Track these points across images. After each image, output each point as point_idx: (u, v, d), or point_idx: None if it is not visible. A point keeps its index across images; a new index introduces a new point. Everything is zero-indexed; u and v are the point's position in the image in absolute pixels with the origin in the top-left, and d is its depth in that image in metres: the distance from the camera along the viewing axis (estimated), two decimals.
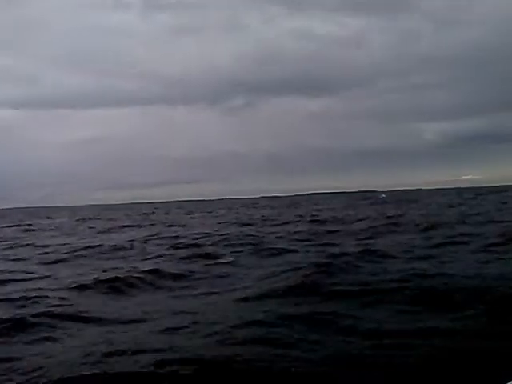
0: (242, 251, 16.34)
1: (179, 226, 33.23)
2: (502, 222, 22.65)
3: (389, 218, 28.92)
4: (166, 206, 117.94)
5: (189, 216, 49.79)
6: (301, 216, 36.67)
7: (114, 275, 11.46)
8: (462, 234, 17.24)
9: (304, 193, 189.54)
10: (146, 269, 12.51)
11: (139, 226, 34.13)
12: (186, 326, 7.25)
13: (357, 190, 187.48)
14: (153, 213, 60.84)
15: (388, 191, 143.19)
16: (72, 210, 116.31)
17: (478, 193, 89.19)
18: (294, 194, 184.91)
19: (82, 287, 10.57)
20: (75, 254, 17.66)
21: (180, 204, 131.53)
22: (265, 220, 35.00)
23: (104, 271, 12.62)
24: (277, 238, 20.11)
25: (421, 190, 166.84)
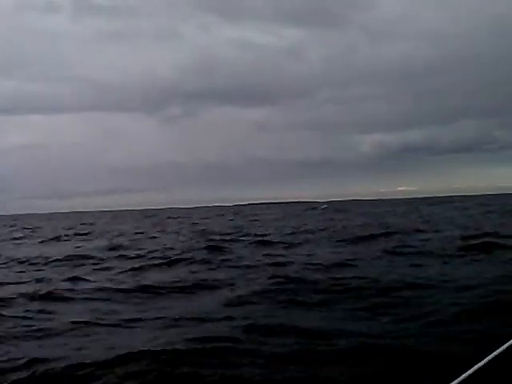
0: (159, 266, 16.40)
1: (114, 236, 32.68)
2: (425, 231, 24.07)
3: (321, 230, 29.75)
4: (105, 215, 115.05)
5: (125, 227, 48.85)
6: (235, 228, 36.91)
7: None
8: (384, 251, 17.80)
9: (247, 202, 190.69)
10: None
11: (71, 238, 33.36)
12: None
13: (298, 200, 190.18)
14: (90, 224, 59.28)
15: (329, 202, 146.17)
16: (9, 218, 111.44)
17: (413, 204, 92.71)
18: (236, 203, 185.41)
19: None
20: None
21: (120, 213, 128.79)
22: (203, 230, 35.05)
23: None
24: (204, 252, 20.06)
25: (360, 200, 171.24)
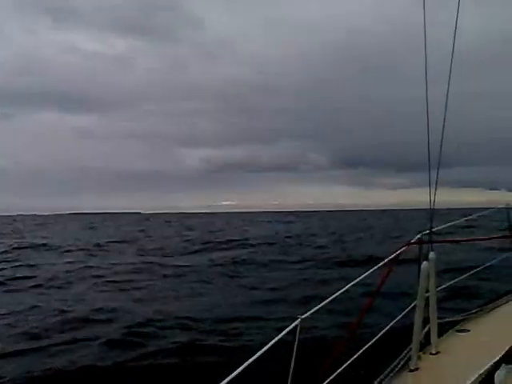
0: None
1: None
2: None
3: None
4: None
5: None
6: None
7: None
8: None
9: (67, 212, 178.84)
10: None
11: None
12: None
13: (124, 210, 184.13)
14: None
15: (154, 214, 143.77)
16: None
17: (234, 218, 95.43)
18: (55, 213, 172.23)
19: None
20: None
21: None
22: None
23: None
24: None
25: (188, 213, 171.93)
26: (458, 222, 4.73)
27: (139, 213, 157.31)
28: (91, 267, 15.61)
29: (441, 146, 3.18)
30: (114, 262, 17.17)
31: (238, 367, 2.12)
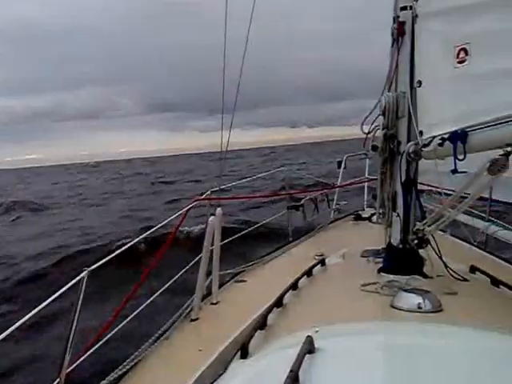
0: None
1: None
2: None
3: None
4: None
5: None
6: None
7: None
8: None
9: None
10: None
11: None
12: None
13: None
14: None
15: None
16: None
17: (40, 173, 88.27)
18: None
19: None
20: None
21: None
22: None
23: None
24: None
25: None
26: (243, 181, 5.20)
27: None
28: None
29: (237, 89, 3.27)
30: None
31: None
